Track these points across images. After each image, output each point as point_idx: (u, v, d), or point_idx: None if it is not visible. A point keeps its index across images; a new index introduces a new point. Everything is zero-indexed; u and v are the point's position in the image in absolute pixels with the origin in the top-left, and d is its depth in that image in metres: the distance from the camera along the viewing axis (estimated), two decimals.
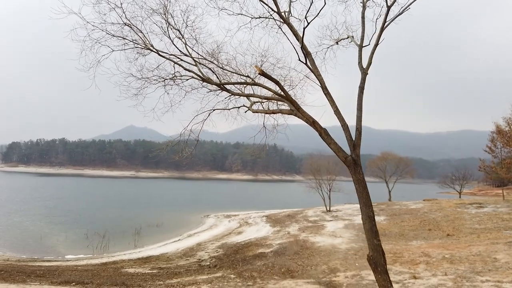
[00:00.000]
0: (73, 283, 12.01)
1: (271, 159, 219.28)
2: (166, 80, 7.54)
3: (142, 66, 7.31)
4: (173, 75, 7.48)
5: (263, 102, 7.74)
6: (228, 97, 8.11)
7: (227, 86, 7.30)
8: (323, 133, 5.91)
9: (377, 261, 6.39)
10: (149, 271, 15.94)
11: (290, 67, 7.34)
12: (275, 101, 7.23)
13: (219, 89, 7.49)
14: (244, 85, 7.71)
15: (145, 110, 7.78)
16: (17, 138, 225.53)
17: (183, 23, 7.10)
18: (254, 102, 7.55)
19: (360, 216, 22.98)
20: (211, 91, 7.75)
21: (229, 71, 7.25)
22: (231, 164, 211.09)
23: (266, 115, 7.95)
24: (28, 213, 38.24)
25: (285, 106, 6.64)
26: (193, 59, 7.19)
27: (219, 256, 19.15)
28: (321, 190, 33.00)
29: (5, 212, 37.86)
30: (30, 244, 24.36)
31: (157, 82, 7.55)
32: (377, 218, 26.39)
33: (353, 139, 5.93)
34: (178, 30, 7.12)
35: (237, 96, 7.91)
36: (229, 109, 7.96)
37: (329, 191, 32.96)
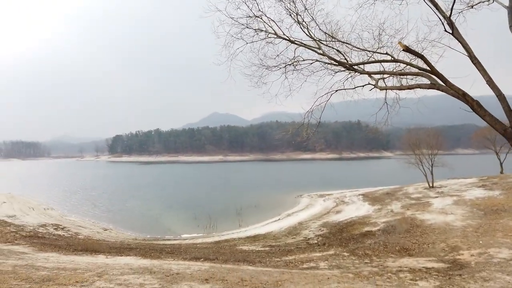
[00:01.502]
0: (202, 259, 13.25)
1: (355, 137, 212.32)
2: (286, 66, 7.80)
3: (265, 55, 7.67)
4: (294, 60, 7.70)
5: (384, 79, 7.57)
6: (346, 77, 8.09)
7: (356, 66, 7.29)
8: (475, 105, 5.58)
9: None
10: (261, 249, 16.85)
11: (420, 38, 6.98)
12: (403, 77, 7.02)
13: (342, 70, 7.51)
14: (365, 64, 7.59)
15: (266, 95, 8.17)
16: (119, 131, 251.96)
17: (303, 8, 7.23)
18: (379, 79, 7.41)
19: (471, 191, 21.18)
20: (335, 72, 7.80)
21: (364, 49, 7.18)
22: (314, 144, 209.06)
23: (388, 91, 7.76)
24: (141, 198, 42.83)
25: (422, 81, 6.41)
26: (317, 42, 7.30)
27: (324, 234, 19.40)
28: (422, 166, 31.08)
29: (123, 198, 42.93)
30: (149, 225, 27.29)
31: (278, 68, 7.84)
32: (491, 193, 24.28)
33: None
34: (298, 14, 7.27)
35: (357, 74, 7.84)
36: (353, 89, 7.94)
37: (431, 166, 30.89)
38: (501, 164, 38.11)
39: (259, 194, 43.60)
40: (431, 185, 30.38)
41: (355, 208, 27.53)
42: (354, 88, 7.84)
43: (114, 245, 17.47)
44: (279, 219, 27.37)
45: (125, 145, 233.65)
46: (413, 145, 31.63)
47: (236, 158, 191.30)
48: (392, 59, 6.61)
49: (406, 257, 12.81)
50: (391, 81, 7.82)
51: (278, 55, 7.67)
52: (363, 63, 7.21)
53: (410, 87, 6.43)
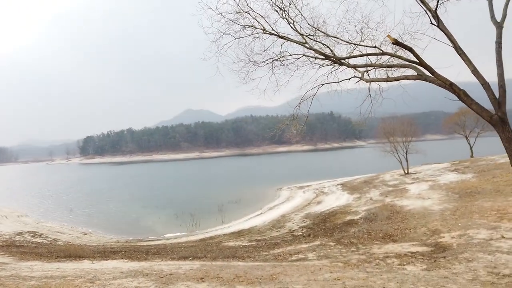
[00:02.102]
0: (190, 258, 13.18)
1: (329, 127, 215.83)
2: (273, 62, 7.82)
3: (252, 50, 7.66)
4: (281, 55, 7.73)
5: (368, 71, 7.72)
6: (330, 71, 8.20)
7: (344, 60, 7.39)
8: (462, 95, 5.78)
9: None
10: (248, 244, 16.92)
11: (405, 31, 7.12)
12: (388, 68, 7.18)
13: (328, 64, 7.61)
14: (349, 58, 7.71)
15: (255, 91, 8.19)
16: (90, 132, 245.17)
17: (288, 3, 7.26)
18: (364, 72, 7.55)
19: (445, 176, 22.05)
20: (322, 66, 7.87)
21: (352, 43, 7.26)
22: (289, 136, 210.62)
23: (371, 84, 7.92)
24: (117, 200, 41.93)
25: (408, 72, 6.56)
26: (303, 36, 7.35)
27: (308, 225, 19.69)
28: (397, 153, 32.02)
29: (99, 201, 41.92)
30: (130, 227, 26.81)
31: (265, 64, 7.86)
32: (463, 176, 25.27)
33: (497, 97, 5.74)
34: (284, 10, 7.29)
35: (344, 68, 7.96)
36: (338, 82, 8.06)
37: (406, 153, 31.88)
38: (471, 148, 39.80)
39: (239, 189, 43.64)
40: (406, 171, 31.37)
41: (335, 198, 28.08)
42: (340, 81, 7.98)
43: (97, 249, 17.07)
44: (261, 213, 27.53)
45: (97, 146, 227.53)
46: (387, 134, 32.49)
47: (212, 154, 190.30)
48: (381, 52, 6.75)
49: (390, 243, 13.20)
50: (374, 74, 8.00)
51: (264, 50, 7.68)
52: (351, 57, 7.32)
53: (397, 79, 6.59)
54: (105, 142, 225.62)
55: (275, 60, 7.78)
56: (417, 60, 6.09)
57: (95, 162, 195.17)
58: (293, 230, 19.02)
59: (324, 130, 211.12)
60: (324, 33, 7.41)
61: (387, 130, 32.67)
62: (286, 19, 7.31)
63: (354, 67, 7.42)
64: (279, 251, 14.03)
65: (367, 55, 7.15)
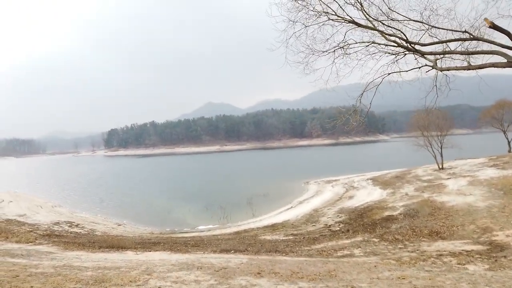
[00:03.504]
0: (232, 251, 13.08)
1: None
2: (335, 51, 7.49)
3: (314, 38, 7.36)
4: (345, 43, 7.39)
5: (444, 58, 7.27)
6: (393, 60, 7.79)
7: (418, 47, 6.98)
8: None
9: None
10: (285, 238, 16.73)
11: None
12: (469, 56, 6.70)
13: (400, 53, 7.21)
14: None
15: (319, 81, 7.90)
16: (114, 125, 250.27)
17: None
18: (437, 60, 7.11)
19: (484, 171, 21.07)
20: (393, 55, 7.46)
21: (443, 28, 6.80)
22: (311, 130, 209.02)
23: (438, 73, 7.47)
24: (146, 191, 42.59)
25: (494, 59, 6.11)
26: (372, 23, 6.96)
27: (344, 221, 19.31)
28: (431, 147, 31.03)
29: (128, 192, 42.68)
30: (162, 218, 27.05)
31: (327, 53, 7.54)
32: (505, 172, 24.22)
33: None
34: None
35: (403, 57, 7.54)
36: (406, 71, 7.65)
37: (441, 148, 30.86)
38: (509, 143, 38.17)
39: (265, 182, 43.49)
40: (441, 166, 30.39)
41: (367, 193, 27.50)
42: (408, 71, 7.56)
43: (135, 240, 17.24)
44: (291, 207, 27.27)
45: (121, 139, 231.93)
46: (422, 127, 31.50)
47: (233, 147, 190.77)
48: (471, 37, 6.28)
49: (439, 240, 12.73)
50: (444, 63, 7.53)
51: (328, 38, 7.36)
52: (429, 44, 6.89)
53: (481, 67, 6.13)
54: (128, 135, 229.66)
55: (339, 48, 7.44)
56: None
57: (119, 154, 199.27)
58: (330, 225, 18.68)
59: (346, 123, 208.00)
60: (401, 15, 6.94)
61: (421, 123, 31.65)
62: (353, 5, 6.95)
63: (431, 54, 6.97)
64: (321, 246, 13.76)
65: (453, 40, 6.69)
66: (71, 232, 19.81)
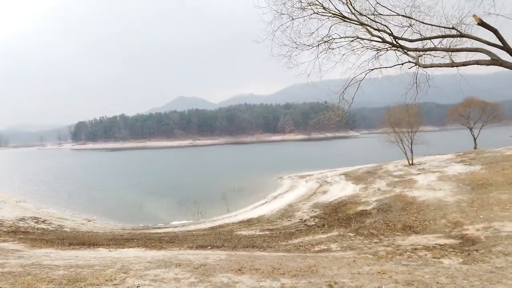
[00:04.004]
0: (209, 247, 12.87)
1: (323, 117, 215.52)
2: (319, 45, 7.40)
3: (299, 32, 7.23)
4: (329, 37, 7.30)
5: (424, 55, 7.33)
6: (375, 56, 7.81)
7: (402, 43, 6.98)
8: None
9: None
10: (261, 233, 16.66)
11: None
12: (452, 53, 6.79)
13: (383, 49, 7.20)
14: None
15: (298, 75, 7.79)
16: (82, 118, 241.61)
17: None
18: (419, 56, 7.16)
19: (452, 167, 21.85)
20: (377, 51, 7.44)
21: (431, 24, 6.79)
22: (284, 125, 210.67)
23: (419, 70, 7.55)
24: (116, 186, 41.46)
25: (478, 56, 6.18)
26: (357, 16, 6.90)
27: (319, 215, 19.48)
28: (402, 143, 31.90)
29: (97, 187, 41.36)
30: (133, 213, 26.35)
31: (310, 47, 7.43)
32: (472, 168, 25.15)
33: None
34: None
35: (385, 53, 7.57)
36: (389, 67, 7.65)
37: (411, 144, 31.78)
38: (474, 139, 39.78)
39: (239, 177, 43.36)
40: (411, 162, 31.29)
41: (340, 188, 27.92)
42: (392, 67, 7.58)
43: (107, 236, 16.67)
44: (266, 202, 27.29)
45: (89, 132, 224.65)
46: (393, 123, 32.29)
47: (206, 142, 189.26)
48: (459, 33, 6.31)
49: (412, 235, 13.04)
50: (424, 59, 7.62)
51: (313, 32, 7.25)
52: (420, 40, 6.88)
53: (465, 64, 6.20)
54: (97, 128, 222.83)
55: (323, 42, 7.35)
56: (500, 44, 5.72)
57: (87, 148, 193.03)
58: (305, 220, 18.80)
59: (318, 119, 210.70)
60: (387, 9, 6.91)
61: (392, 120, 32.44)
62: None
63: (416, 50, 7.00)
64: (298, 241, 13.79)
65: (439, 37, 6.72)
66: (38, 229, 18.91)
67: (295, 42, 7.39)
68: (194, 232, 18.15)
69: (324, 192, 27.38)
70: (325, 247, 12.25)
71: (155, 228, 20.96)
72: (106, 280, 6.68)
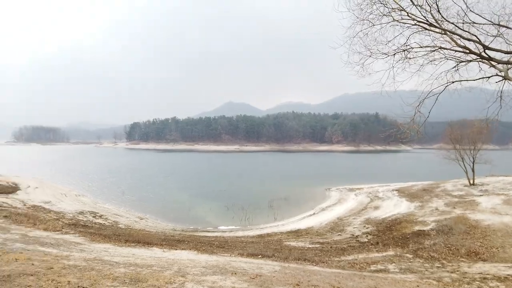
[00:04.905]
0: (259, 256, 12.71)
1: (373, 129, 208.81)
2: (396, 54, 7.03)
3: (375, 40, 6.94)
4: (408, 46, 6.92)
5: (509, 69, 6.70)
6: (456, 68, 7.26)
7: (492, 54, 6.45)
8: None
9: None
10: (311, 246, 16.25)
11: None
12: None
13: (469, 60, 6.70)
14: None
15: (373, 86, 7.47)
16: (136, 119, 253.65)
17: None
18: (508, 69, 6.56)
19: None
20: (460, 63, 6.96)
21: None
22: (331, 136, 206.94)
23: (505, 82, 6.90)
24: (167, 186, 42.77)
25: None
26: (439, 23, 6.48)
27: (372, 232, 18.66)
28: (463, 162, 29.85)
29: (149, 186, 42.96)
30: (183, 215, 26.95)
31: (385, 56, 7.09)
32: None
33: None
34: None
35: (464, 63, 7.01)
36: (473, 80, 7.10)
37: (473, 163, 29.65)
38: None
39: (285, 185, 43.08)
40: (472, 182, 29.19)
41: (393, 205, 26.67)
42: (475, 79, 7.02)
43: (160, 236, 17.12)
44: (314, 213, 26.74)
45: (142, 133, 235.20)
46: (454, 140, 30.36)
47: (252, 148, 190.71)
48: None
49: (479, 262, 12.02)
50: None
51: (389, 41, 6.92)
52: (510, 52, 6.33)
53: None
54: (150, 129, 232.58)
55: (401, 51, 6.97)
56: None
57: (140, 147, 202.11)
58: (357, 236, 18.09)
59: (368, 131, 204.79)
60: (480, 16, 6.42)
61: (454, 136, 30.52)
62: (422, 6, 6.47)
63: (507, 63, 6.41)
64: (351, 258, 13.23)
65: None
66: (95, 223, 19.87)
67: (370, 50, 7.08)
68: (242, 239, 18.12)
69: (376, 208, 26.29)
70: (382, 267, 11.62)
71: (204, 231, 21.21)
72: (166, 283, 6.74)
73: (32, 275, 6.42)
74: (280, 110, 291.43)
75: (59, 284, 5.95)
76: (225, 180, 51.35)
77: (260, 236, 19.39)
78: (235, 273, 8.11)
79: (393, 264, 12.08)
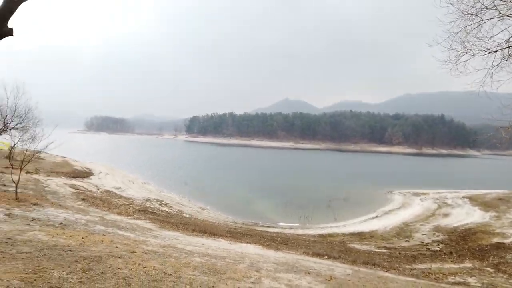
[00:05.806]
0: (326, 256, 12.41)
1: (437, 131, 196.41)
2: (498, 51, 6.36)
3: (475, 36, 6.33)
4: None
5: None
6: None
7: None
8: None
9: None
10: (377, 250, 15.61)
11: None
12: None
13: None
14: None
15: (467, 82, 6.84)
16: (196, 113, 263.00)
17: None
18: None
19: None
20: None
21: None
22: (391, 136, 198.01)
23: None
24: (225, 179, 43.66)
25: None
26: None
27: (443, 241, 17.48)
28: None
29: (208, 179, 44.25)
30: (242, 208, 27.32)
31: (485, 53, 6.44)
32: None
33: None
34: None
35: None
36: None
37: None
38: None
39: (344, 186, 42.03)
40: None
41: (465, 213, 24.82)
42: None
43: (223, 228, 17.47)
44: (376, 216, 25.72)
45: (201, 126, 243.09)
46: None
47: (307, 145, 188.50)
48: None
49: None
50: None
51: (492, 36, 6.28)
52: None
53: None
54: (208, 123, 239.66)
55: (507, 48, 6.30)
56: None
57: (198, 140, 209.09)
58: (426, 243, 17.04)
59: (431, 133, 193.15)
60: None
61: None
62: None
63: None
64: (423, 267, 12.47)
65: None
66: (162, 211, 20.77)
67: (466, 47, 6.48)
68: (304, 237, 17.90)
69: (445, 215, 24.62)
70: (461, 280, 10.78)
71: (264, 226, 21.28)
72: (243, 276, 6.75)
73: (119, 257, 6.76)
74: (337, 109, 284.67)
75: (145, 268, 6.19)
76: (282, 176, 51.36)
77: (321, 236, 19.01)
78: (309, 273, 7.92)
79: (473, 277, 11.16)
